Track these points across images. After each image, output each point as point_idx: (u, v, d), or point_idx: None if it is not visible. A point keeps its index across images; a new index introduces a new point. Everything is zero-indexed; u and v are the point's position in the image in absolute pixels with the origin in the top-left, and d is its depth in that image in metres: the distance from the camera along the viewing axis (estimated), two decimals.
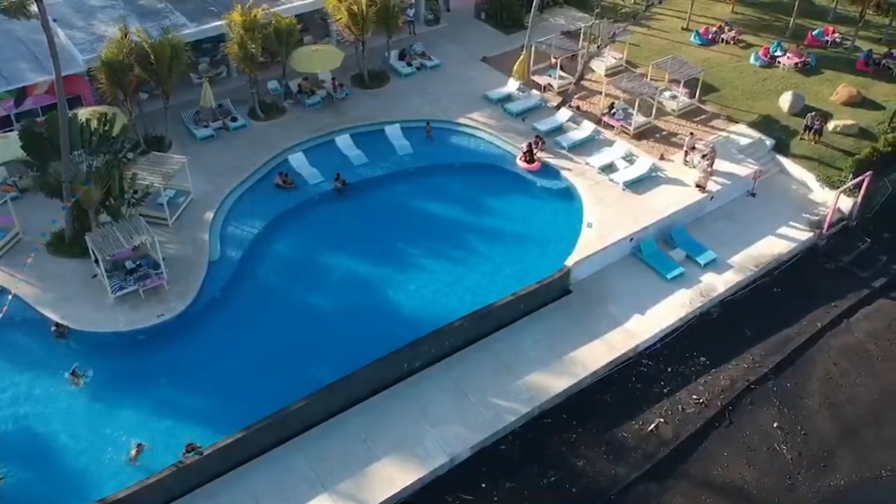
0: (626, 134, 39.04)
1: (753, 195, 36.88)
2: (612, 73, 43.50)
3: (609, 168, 36.92)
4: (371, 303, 30.83)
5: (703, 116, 40.75)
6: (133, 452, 24.98)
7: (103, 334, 28.74)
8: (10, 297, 28.84)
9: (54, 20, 35.24)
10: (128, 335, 28.82)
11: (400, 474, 25.32)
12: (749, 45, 47.20)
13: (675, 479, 26.48)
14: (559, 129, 39.39)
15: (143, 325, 28.98)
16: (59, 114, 29.32)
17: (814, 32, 47.71)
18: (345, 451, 25.80)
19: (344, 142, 38.59)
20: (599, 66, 43.98)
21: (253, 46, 37.20)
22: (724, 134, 39.34)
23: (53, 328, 28.68)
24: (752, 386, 29.37)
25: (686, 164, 36.90)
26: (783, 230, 35.13)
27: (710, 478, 26.62)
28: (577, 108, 41.03)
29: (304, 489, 24.72)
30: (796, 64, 44.68)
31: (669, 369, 29.71)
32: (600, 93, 41.70)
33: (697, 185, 35.57)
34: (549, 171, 37.21)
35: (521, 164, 37.26)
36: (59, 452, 25.52)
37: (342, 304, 30.75)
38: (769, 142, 39.04)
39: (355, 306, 30.63)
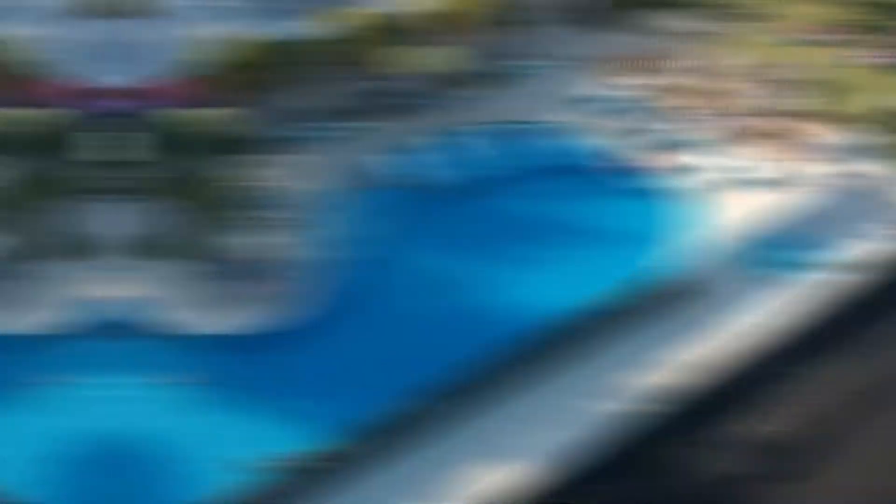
0: (736, 134, 38.69)
1: (857, 196, 35.93)
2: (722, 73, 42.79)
3: (716, 169, 36.76)
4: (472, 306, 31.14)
5: (800, 117, 39.66)
6: (248, 466, 24.84)
7: (212, 336, 28.63)
8: None
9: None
10: (238, 339, 28.79)
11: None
12: (853, 45, 45.56)
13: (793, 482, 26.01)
14: (665, 130, 39.19)
15: (255, 329, 29.05)
16: None
17: None
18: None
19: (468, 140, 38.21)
20: (711, 66, 43.26)
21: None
22: (819, 133, 38.61)
23: None
24: (875, 390, 28.71)
25: (788, 164, 36.57)
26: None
27: (830, 484, 26.02)
28: (686, 107, 40.50)
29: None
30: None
31: (782, 372, 29.19)
32: (711, 92, 41.17)
33: (798, 185, 35.30)
34: (655, 172, 37.04)
35: (621, 163, 37.40)
36: (164, 457, 25.55)
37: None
38: (867, 141, 38.07)
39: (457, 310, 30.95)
